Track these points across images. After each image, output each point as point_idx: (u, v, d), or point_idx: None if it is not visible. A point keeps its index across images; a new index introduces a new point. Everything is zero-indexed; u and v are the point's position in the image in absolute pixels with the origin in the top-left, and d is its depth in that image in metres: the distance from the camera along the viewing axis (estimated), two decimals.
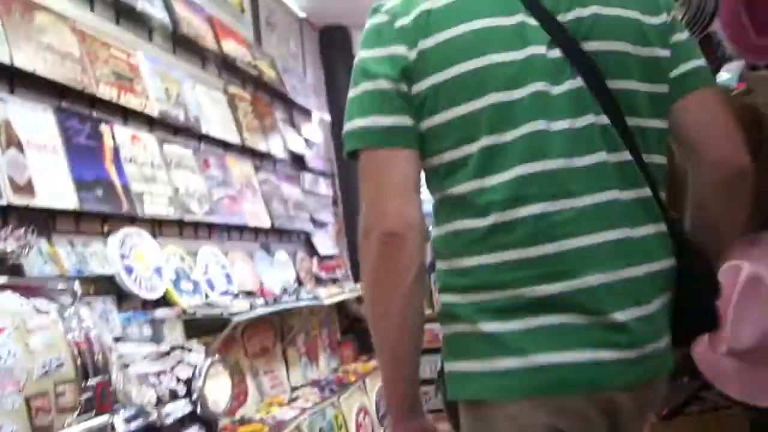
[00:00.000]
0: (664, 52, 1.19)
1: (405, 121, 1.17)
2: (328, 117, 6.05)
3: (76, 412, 1.82)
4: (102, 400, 1.91)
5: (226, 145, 4.01)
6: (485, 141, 1.12)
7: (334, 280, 5.09)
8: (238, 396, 3.38)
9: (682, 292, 1.16)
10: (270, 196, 4.41)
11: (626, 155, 1.13)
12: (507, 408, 1.11)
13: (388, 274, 1.16)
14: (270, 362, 3.91)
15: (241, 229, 4.01)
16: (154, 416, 2.18)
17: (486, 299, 1.12)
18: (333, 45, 6.24)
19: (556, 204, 1.10)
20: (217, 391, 2.62)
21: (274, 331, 4.03)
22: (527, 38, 1.13)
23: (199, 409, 2.48)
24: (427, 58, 1.15)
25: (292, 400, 3.71)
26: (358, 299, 5.05)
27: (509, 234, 1.10)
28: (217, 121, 3.88)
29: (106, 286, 2.69)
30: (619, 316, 1.09)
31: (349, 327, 5.28)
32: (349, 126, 1.23)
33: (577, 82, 1.12)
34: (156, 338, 2.84)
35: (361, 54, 1.22)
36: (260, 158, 4.49)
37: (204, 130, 3.70)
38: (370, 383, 4.36)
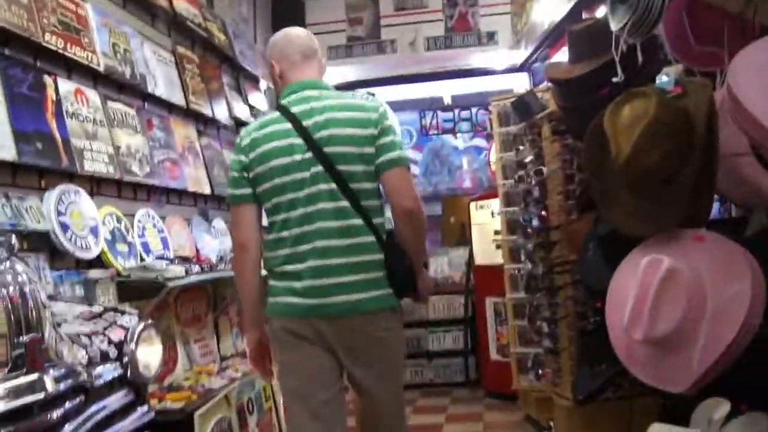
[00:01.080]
0: (371, 150, 2.24)
1: (247, 190, 2.33)
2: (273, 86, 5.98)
3: (7, 368, 1.78)
4: (33, 358, 1.87)
5: (170, 107, 3.93)
6: (283, 215, 2.28)
7: None
8: (168, 363, 3.35)
9: (390, 271, 2.23)
10: (212, 161, 4.35)
11: (344, 203, 2.22)
12: (271, 321, 2.33)
13: (240, 263, 2.40)
14: (201, 330, 3.88)
15: (181, 194, 3.95)
16: (84, 377, 2.14)
17: (275, 271, 2.32)
18: (285, 14, 6.16)
19: (304, 229, 2.25)
20: (149, 356, 2.59)
21: (207, 300, 4.00)
22: (294, 150, 2.23)
23: (129, 373, 2.45)
24: (252, 160, 2.29)
25: (222, 369, 3.70)
26: None
27: (294, 254, 2.26)
28: (163, 82, 3.80)
29: (40, 243, 2.63)
30: (302, 284, 2.22)
31: None
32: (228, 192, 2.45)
33: (318, 168, 2.21)
34: (88, 299, 2.79)
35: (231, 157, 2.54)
36: (204, 122, 4.42)
37: (150, 89, 3.61)
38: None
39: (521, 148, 3.39)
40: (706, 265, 1.46)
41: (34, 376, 1.86)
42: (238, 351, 4.26)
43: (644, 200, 1.53)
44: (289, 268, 2.23)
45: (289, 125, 2.23)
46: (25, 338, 1.84)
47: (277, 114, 2.30)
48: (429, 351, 5.34)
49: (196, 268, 3.39)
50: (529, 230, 3.21)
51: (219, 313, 4.14)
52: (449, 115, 6.67)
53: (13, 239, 1.93)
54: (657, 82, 2.10)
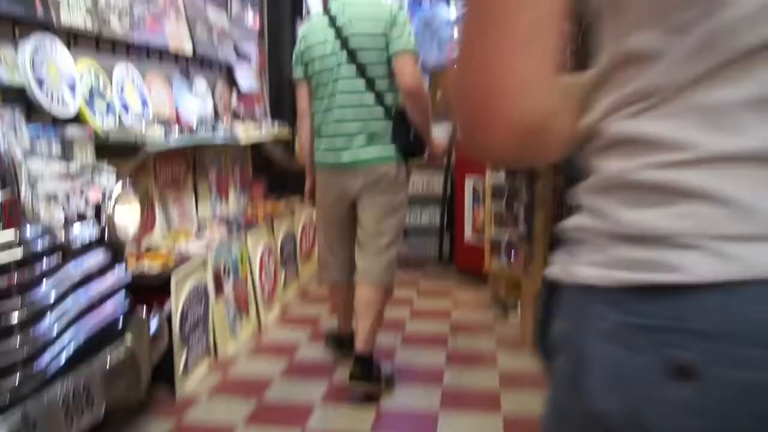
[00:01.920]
0: (383, 41, 2.83)
1: (301, 71, 3.02)
2: None
3: None
4: (10, 216, 1.86)
5: None
6: (320, 92, 2.95)
7: (252, 117, 5.00)
8: (145, 225, 3.36)
9: (394, 135, 2.88)
10: (194, 19, 4.18)
11: (360, 84, 2.86)
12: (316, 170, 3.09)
13: (299, 126, 3.29)
14: (180, 194, 3.88)
15: (161, 53, 3.82)
16: (61, 236, 2.14)
17: (316, 134, 3.05)
18: None
19: (330, 102, 2.92)
20: (126, 217, 2.58)
21: (187, 163, 3.97)
22: (327, 42, 2.88)
23: (106, 234, 2.45)
24: (303, 49, 2.97)
25: (199, 233, 3.72)
26: (274, 141, 5.00)
27: (323, 122, 2.97)
28: None
29: (16, 97, 2.54)
30: (325, 144, 2.96)
31: (262, 166, 5.26)
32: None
33: (344, 56, 2.86)
34: (65, 157, 2.74)
35: None
36: None
37: None
38: (277, 224, 4.42)
39: None
40: None
41: (10, 234, 1.85)
42: (217, 215, 4.28)
43: None
44: (321, 131, 2.96)
45: (326, 22, 2.89)
46: (0, 196, 1.82)
47: (322, 14, 2.99)
48: (405, 227, 5.40)
49: (176, 130, 3.33)
50: None
51: (198, 177, 4.12)
52: None
53: None
54: None
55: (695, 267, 0.56)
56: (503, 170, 3.49)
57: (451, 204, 5.25)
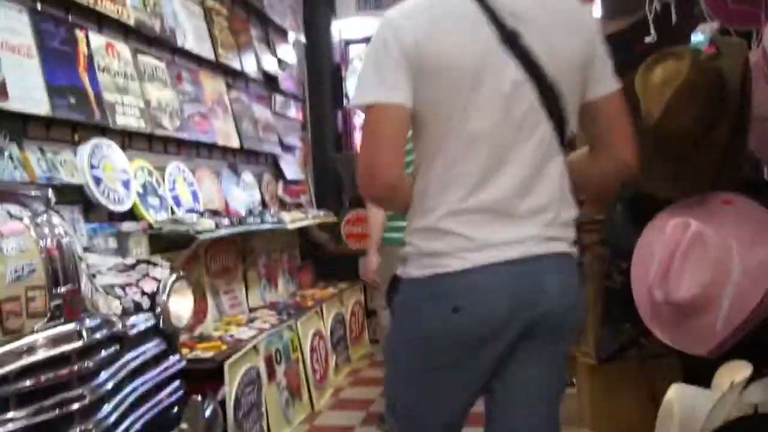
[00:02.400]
0: None
1: None
2: (303, 38, 5.94)
3: (46, 318, 1.85)
4: (71, 308, 1.93)
5: (200, 60, 3.94)
6: None
7: (298, 205, 5.13)
8: (198, 314, 3.43)
9: None
10: (240, 115, 4.37)
11: None
12: None
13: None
14: (230, 282, 3.96)
15: (210, 148, 3.99)
16: (118, 327, 2.21)
17: None
18: None
19: None
20: (180, 307, 2.66)
21: (237, 252, 4.07)
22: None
23: (161, 323, 2.52)
24: None
25: (250, 320, 3.78)
26: (320, 226, 5.10)
27: None
28: (193, 35, 3.80)
29: (74, 196, 2.68)
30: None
31: (309, 253, 5.35)
32: None
33: None
34: (121, 251, 2.86)
35: None
36: (233, 76, 4.43)
37: (179, 42, 3.63)
38: (326, 309, 4.46)
39: None
40: (734, 228, 1.46)
41: (71, 326, 1.92)
42: (267, 302, 4.34)
43: (673, 163, 1.52)
44: None
45: None
46: (62, 289, 1.90)
47: None
48: None
49: (225, 221, 3.44)
50: None
51: (248, 265, 4.22)
52: None
53: (50, 193, 1.98)
54: (691, 40, 2.06)
55: (454, 264, 1.38)
56: None
57: None
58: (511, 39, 1.34)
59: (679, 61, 1.46)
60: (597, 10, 4.18)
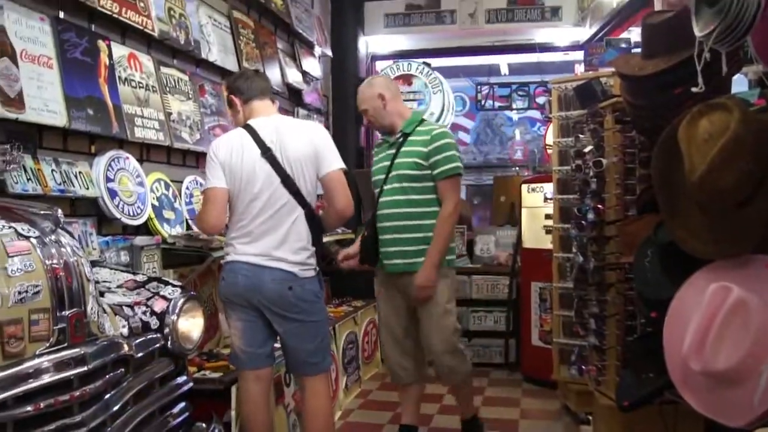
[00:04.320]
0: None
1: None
2: (330, 52, 5.90)
3: (49, 342, 1.79)
4: (75, 332, 1.87)
5: (223, 73, 3.89)
6: None
7: None
8: (208, 329, 3.37)
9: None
10: None
11: None
12: None
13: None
14: None
15: None
16: (124, 349, 2.14)
17: None
18: None
19: None
20: (190, 327, 2.59)
21: None
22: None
23: (169, 344, 2.45)
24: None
25: None
26: (338, 242, 5.03)
27: None
28: (218, 47, 3.76)
29: (89, 208, 2.63)
30: None
31: (324, 269, 5.25)
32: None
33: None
34: (133, 265, 2.80)
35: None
36: None
37: (203, 54, 3.58)
38: (339, 329, 4.37)
39: (581, 136, 3.25)
40: None
41: (75, 351, 1.86)
42: None
43: (715, 221, 1.43)
44: None
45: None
46: (67, 312, 1.84)
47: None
48: (469, 330, 5.29)
49: None
50: (583, 222, 3.09)
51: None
52: (505, 90, 6.49)
53: (59, 213, 1.92)
54: (736, 88, 1.96)
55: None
56: (572, 279, 3.38)
57: (516, 308, 5.12)
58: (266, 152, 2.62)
59: (727, 114, 1.37)
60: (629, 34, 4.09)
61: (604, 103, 2.98)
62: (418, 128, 3.13)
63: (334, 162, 2.70)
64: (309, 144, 2.65)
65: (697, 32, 1.42)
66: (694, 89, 1.42)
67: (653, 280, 1.91)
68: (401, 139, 3.13)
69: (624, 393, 2.48)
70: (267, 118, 2.69)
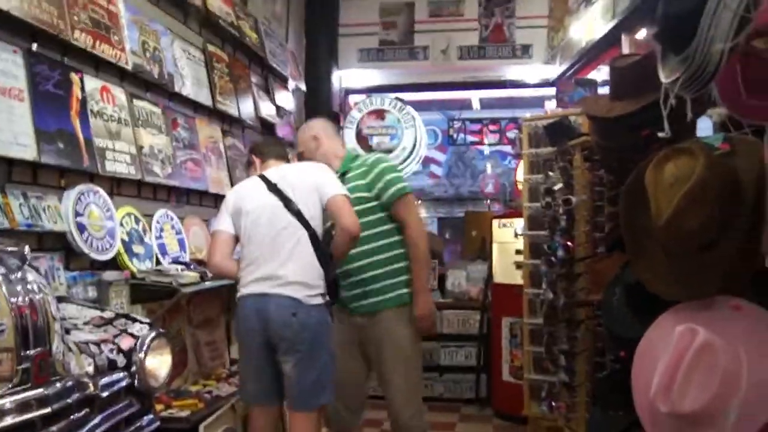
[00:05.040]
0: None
1: None
2: (303, 86, 5.93)
3: (12, 383, 1.75)
4: (39, 372, 1.83)
5: (196, 106, 3.89)
6: None
7: None
8: (177, 366, 3.30)
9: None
10: (235, 162, 4.31)
11: None
12: None
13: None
14: (213, 332, 3.85)
15: (201, 194, 3.91)
16: (89, 389, 2.10)
17: None
18: (319, 13, 6.12)
19: None
20: (157, 365, 2.55)
21: (221, 302, 3.96)
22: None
23: (136, 382, 2.41)
24: None
25: (230, 375, 3.65)
26: None
27: None
28: (191, 81, 3.76)
29: (57, 243, 2.59)
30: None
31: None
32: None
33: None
34: (101, 300, 2.76)
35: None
36: (229, 122, 4.38)
37: (177, 88, 3.58)
38: None
39: (551, 173, 3.30)
40: (743, 337, 1.38)
41: (38, 392, 1.82)
42: None
43: (681, 264, 1.45)
44: None
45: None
46: (32, 352, 1.80)
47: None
48: (440, 365, 5.28)
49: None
50: (553, 259, 3.12)
51: (232, 316, 4.10)
52: (477, 126, 6.58)
53: (26, 249, 1.89)
54: (701, 125, 2.01)
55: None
56: (542, 315, 3.40)
57: (487, 343, 5.13)
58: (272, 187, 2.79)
59: (693, 159, 1.40)
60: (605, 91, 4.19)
61: (573, 141, 3.03)
62: (352, 165, 3.09)
63: (336, 189, 2.78)
64: (311, 176, 2.82)
65: (663, 79, 1.45)
66: (661, 134, 1.45)
67: (621, 318, 1.93)
68: (341, 180, 3.04)
69: (593, 430, 2.49)
70: (277, 167, 2.92)
